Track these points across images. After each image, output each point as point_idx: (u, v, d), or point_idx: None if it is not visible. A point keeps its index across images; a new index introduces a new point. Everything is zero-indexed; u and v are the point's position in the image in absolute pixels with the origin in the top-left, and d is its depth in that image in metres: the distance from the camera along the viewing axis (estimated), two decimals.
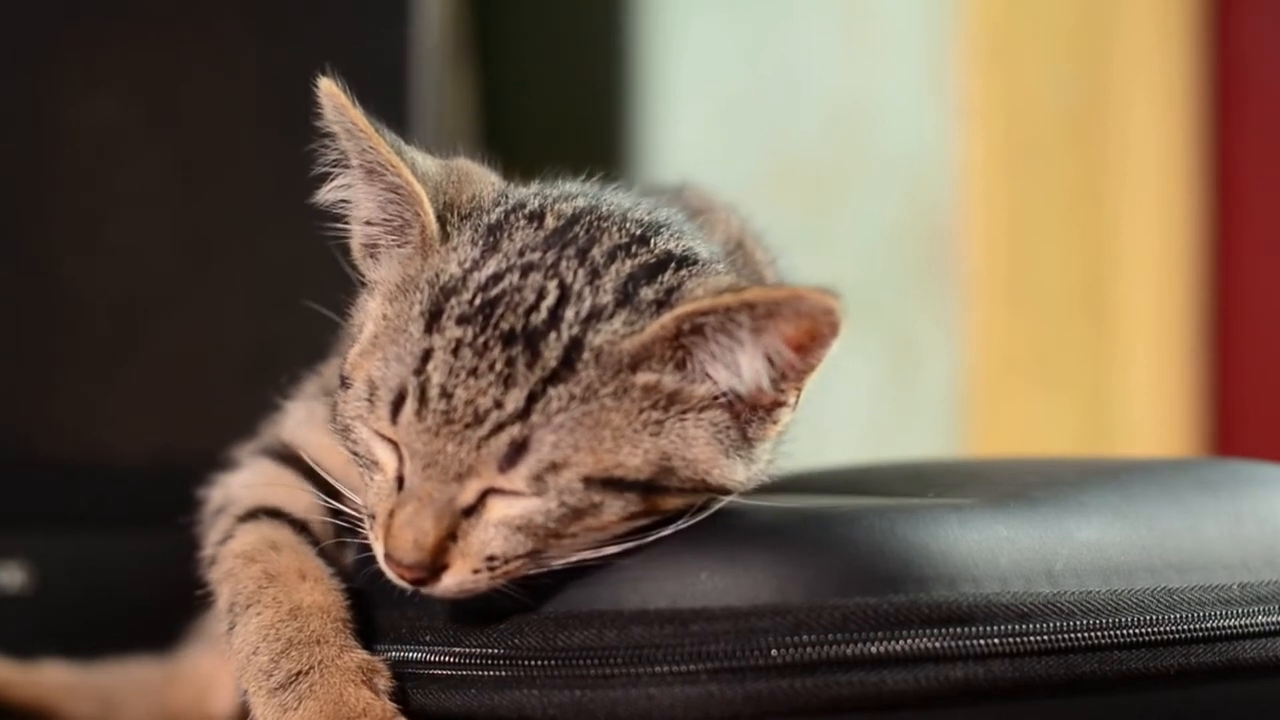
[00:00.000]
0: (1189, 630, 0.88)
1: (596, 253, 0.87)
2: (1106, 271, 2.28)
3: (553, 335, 0.83)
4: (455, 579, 0.84)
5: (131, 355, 1.56)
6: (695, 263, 0.89)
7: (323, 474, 0.94)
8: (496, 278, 0.86)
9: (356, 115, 0.89)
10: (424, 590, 0.85)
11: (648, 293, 0.86)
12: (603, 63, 2.25)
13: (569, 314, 0.84)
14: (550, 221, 0.89)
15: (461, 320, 0.84)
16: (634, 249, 0.88)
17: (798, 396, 0.87)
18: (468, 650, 0.86)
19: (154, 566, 1.04)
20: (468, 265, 0.87)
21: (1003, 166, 2.20)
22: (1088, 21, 2.27)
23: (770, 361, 0.84)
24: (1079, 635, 0.85)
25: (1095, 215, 2.27)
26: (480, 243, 0.88)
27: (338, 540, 0.94)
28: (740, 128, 2.24)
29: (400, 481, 0.85)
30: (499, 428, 0.82)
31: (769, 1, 2.26)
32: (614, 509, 0.84)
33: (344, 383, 0.89)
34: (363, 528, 0.88)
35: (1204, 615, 0.89)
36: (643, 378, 0.84)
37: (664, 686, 0.82)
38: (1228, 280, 2.39)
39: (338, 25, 1.60)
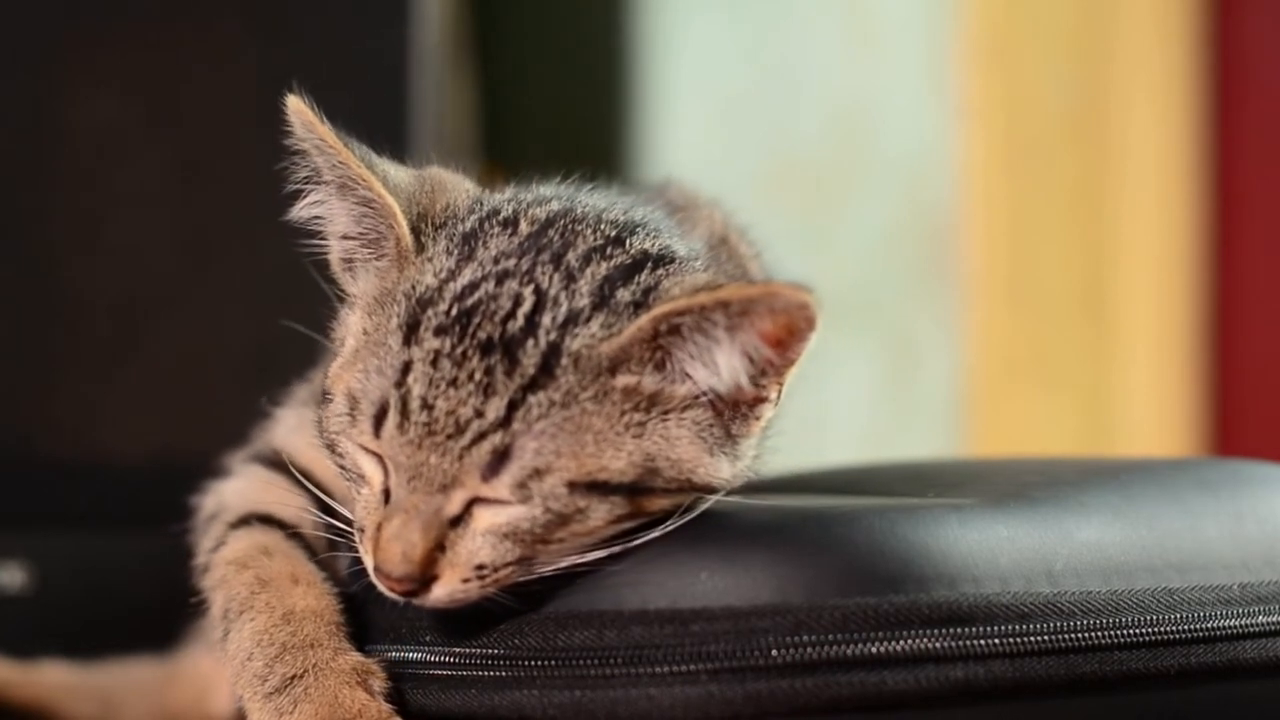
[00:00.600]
0: (1189, 630, 0.88)
1: (571, 256, 0.87)
2: (1106, 271, 2.28)
3: (530, 342, 0.83)
4: (445, 589, 0.84)
5: (131, 355, 1.56)
6: (672, 261, 0.88)
7: (311, 486, 0.94)
8: (472, 287, 0.85)
9: (325, 131, 0.88)
10: (415, 602, 0.85)
11: (624, 294, 0.86)
12: (603, 63, 2.25)
13: (546, 320, 0.84)
14: (524, 227, 0.89)
15: (439, 331, 0.84)
16: (609, 250, 0.88)
17: (779, 391, 0.87)
18: (468, 650, 0.86)
19: (154, 566, 1.04)
20: (443, 275, 0.87)
21: (1003, 166, 2.20)
22: (1088, 21, 2.27)
23: (749, 358, 0.84)
24: (1079, 635, 0.85)
25: (1095, 215, 2.27)
26: (455, 252, 0.88)
27: (329, 543, 0.94)
28: (740, 128, 2.24)
29: (387, 494, 0.85)
30: (481, 437, 0.82)
31: (769, 1, 2.26)
32: (600, 513, 0.84)
33: (325, 397, 0.89)
34: (354, 538, 0.88)
35: (1204, 615, 0.89)
36: (622, 380, 0.84)
37: (664, 687, 0.82)
38: (1228, 280, 2.39)
39: (338, 25, 1.60)
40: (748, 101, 2.24)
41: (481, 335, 0.83)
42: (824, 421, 2.13)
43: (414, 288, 0.87)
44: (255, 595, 0.91)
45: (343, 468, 0.88)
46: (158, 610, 1.11)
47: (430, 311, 0.85)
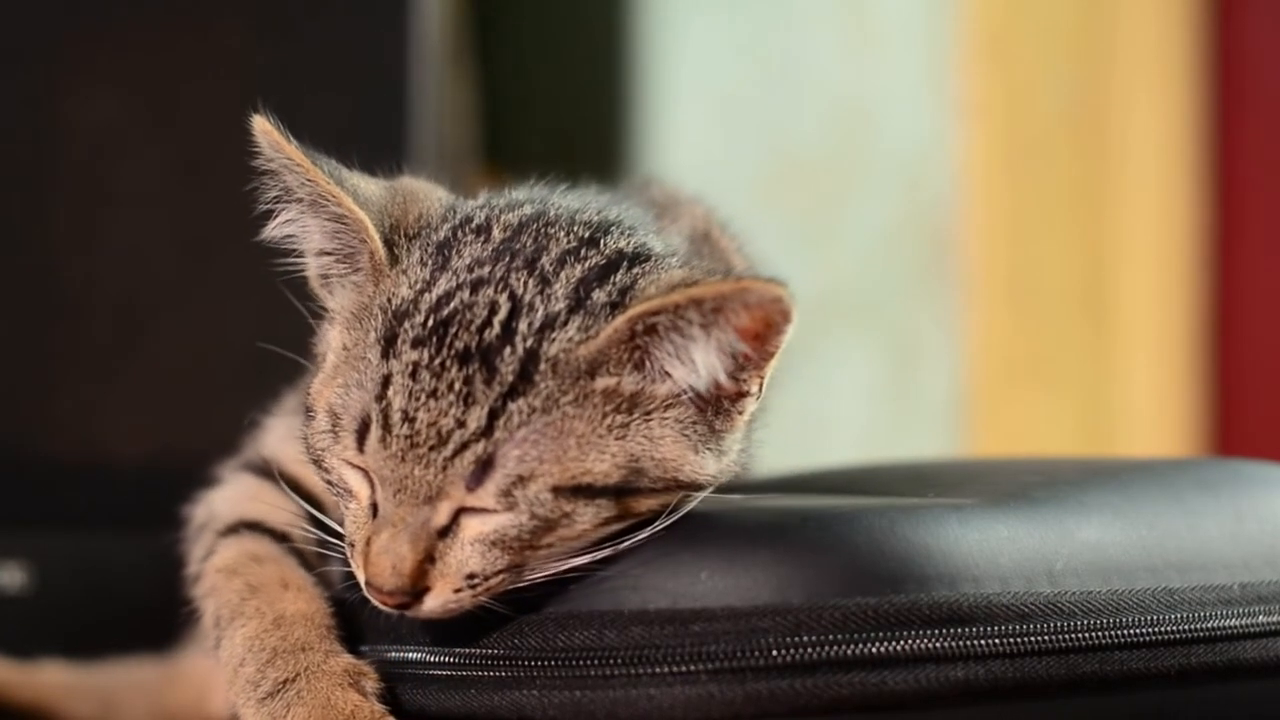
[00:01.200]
0: (1189, 630, 0.88)
1: (545, 260, 0.87)
2: (1106, 271, 2.28)
3: (507, 350, 0.83)
4: (438, 600, 0.84)
5: (131, 355, 1.56)
6: (648, 259, 0.88)
7: (298, 497, 0.94)
8: (447, 296, 0.85)
9: (292, 150, 0.88)
10: (409, 614, 0.85)
11: (600, 295, 0.85)
12: (603, 62, 2.25)
13: (522, 326, 0.84)
14: (497, 233, 0.89)
15: (416, 343, 0.84)
16: (583, 252, 0.87)
17: (761, 385, 0.86)
18: (468, 650, 0.86)
19: (154, 566, 1.04)
20: (419, 287, 0.87)
21: (1003, 166, 2.20)
22: (1088, 21, 2.27)
23: (727, 354, 0.84)
24: (1079, 635, 0.85)
25: (1095, 215, 2.27)
26: (430, 262, 0.88)
27: (320, 548, 0.94)
28: (740, 127, 2.24)
29: (375, 508, 0.85)
30: (463, 447, 0.82)
31: (769, 1, 2.26)
32: (587, 516, 0.84)
33: (308, 414, 0.89)
34: (343, 546, 0.88)
35: (1204, 615, 0.89)
36: (602, 382, 0.84)
37: (664, 687, 0.82)
38: (1228, 280, 2.39)
39: (338, 25, 1.60)
40: (748, 101, 2.24)
41: (459, 345, 0.83)
42: (824, 421, 2.13)
43: (390, 300, 0.87)
44: (246, 601, 0.92)
45: (330, 483, 0.88)
46: (158, 610, 1.11)
47: (407, 324, 0.85)
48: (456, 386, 0.82)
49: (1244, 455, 1.27)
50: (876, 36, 2.21)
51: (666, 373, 0.85)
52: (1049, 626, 0.85)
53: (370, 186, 0.92)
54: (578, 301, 0.85)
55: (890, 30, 2.21)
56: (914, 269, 2.20)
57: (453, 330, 0.84)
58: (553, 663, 0.84)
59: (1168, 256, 2.34)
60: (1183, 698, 0.89)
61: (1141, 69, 2.30)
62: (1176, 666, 0.88)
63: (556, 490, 0.83)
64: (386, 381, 0.84)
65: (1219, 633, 0.89)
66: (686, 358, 0.84)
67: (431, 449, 0.82)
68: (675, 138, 2.23)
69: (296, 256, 0.92)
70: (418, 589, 0.84)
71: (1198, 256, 2.37)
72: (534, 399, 0.83)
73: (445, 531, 0.83)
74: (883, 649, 0.82)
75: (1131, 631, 0.87)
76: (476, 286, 0.85)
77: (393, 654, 0.89)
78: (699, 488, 0.86)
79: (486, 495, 0.82)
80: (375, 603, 0.85)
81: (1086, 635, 0.85)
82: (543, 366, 0.83)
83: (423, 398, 0.83)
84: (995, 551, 0.86)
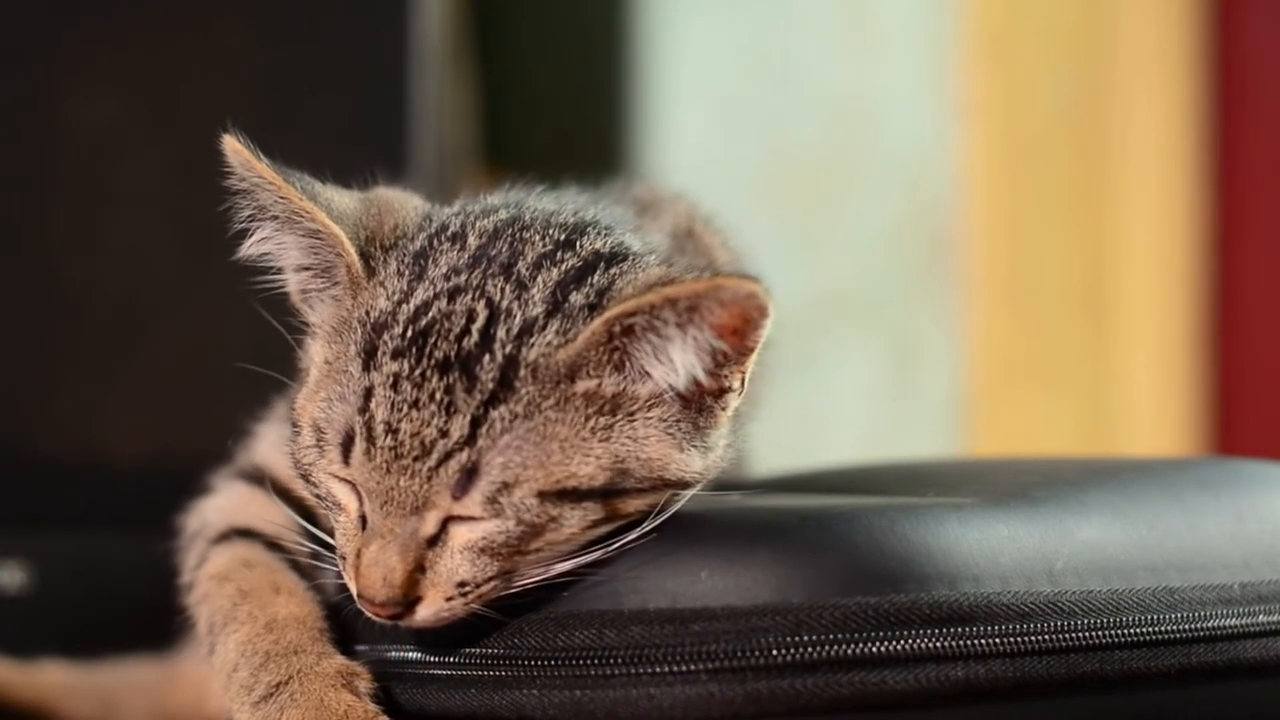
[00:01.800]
0: (1190, 630, 0.88)
1: (521, 265, 0.87)
2: (1106, 271, 2.28)
3: (487, 357, 0.83)
4: (430, 609, 0.84)
5: (131, 355, 1.56)
6: (625, 259, 0.88)
7: (291, 504, 0.94)
8: (425, 306, 0.85)
9: (263, 168, 0.88)
10: (403, 624, 0.85)
11: (578, 298, 0.85)
12: (603, 63, 2.25)
13: (500, 333, 0.84)
14: (473, 240, 0.89)
15: (396, 354, 0.84)
16: (559, 255, 0.87)
17: (743, 380, 0.86)
18: (468, 650, 0.86)
19: (154, 566, 1.04)
20: (396, 298, 0.86)
21: (1003, 166, 2.20)
22: (1088, 21, 2.27)
23: (705, 351, 0.84)
24: (1080, 635, 0.85)
25: (1095, 215, 2.27)
26: (406, 273, 0.88)
27: (313, 556, 0.94)
28: (740, 127, 2.24)
29: (364, 520, 0.85)
30: (447, 456, 0.82)
31: (769, 1, 2.26)
32: (574, 519, 0.84)
33: (293, 429, 0.89)
34: (334, 556, 0.88)
35: (1205, 615, 0.89)
36: (582, 385, 0.84)
37: (664, 686, 0.82)
38: (1228, 280, 2.39)
39: (338, 25, 1.60)
40: (748, 101, 2.24)
41: (438, 354, 0.83)
42: (824, 421, 2.13)
43: (368, 313, 0.87)
44: (238, 607, 0.92)
45: (318, 497, 0.88)
46: (158, 610, 1.11)
47: (386, 335, 0.85)
48: (438, 396, 0.82)
49: (1244, 455, 1.27)
50: (876, 37, 2.21)
51: (646, 373, 0.84)
52: (1049, 626, 0.85)
53: (344, 199, 0.92)
54: (555, 305, 0.85)
55: (890, 30, 2.21)
56: (914, 269, 2.20)
57: (432, 340, 0.84)
58: (553, 662, 0.84)
59: (1168, 256, 2.34)
60: (1183, 697, 0.89)
61: (1141, 69, 2.30)
62: (1176, 666, 0.88)
63: (542, 495, 0.83)
64: (369, 394, 0.84)
65: (1219, 632, 0.89)
66: (665, 357, 0.84)
67: (416, 459, 0.82)
68: (675, 138, 2.23)
69: (276, 273, 0.92)
70: (410, 599, 0.84)
71: (1198, 256, 2.37)
72: (515, 405, 0.83)
73: (434, 541, 0.84)
74: (883, 648, 0.82)
75: (1132, 631, 0.87)
76: (454, 295, 0.85)
77: (393, 654, 0.89)
78: (686, 486, 0.86)
79: (473, 503, 0.83)
80: (369, 614, 0.85)
81: (1087, 635, 0.85)
82: (523, 372, 0.83)
83: (405, 409, 0.83)
84: (995, 551, 0.86)
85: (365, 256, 0.89)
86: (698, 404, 0.86)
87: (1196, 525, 0.94)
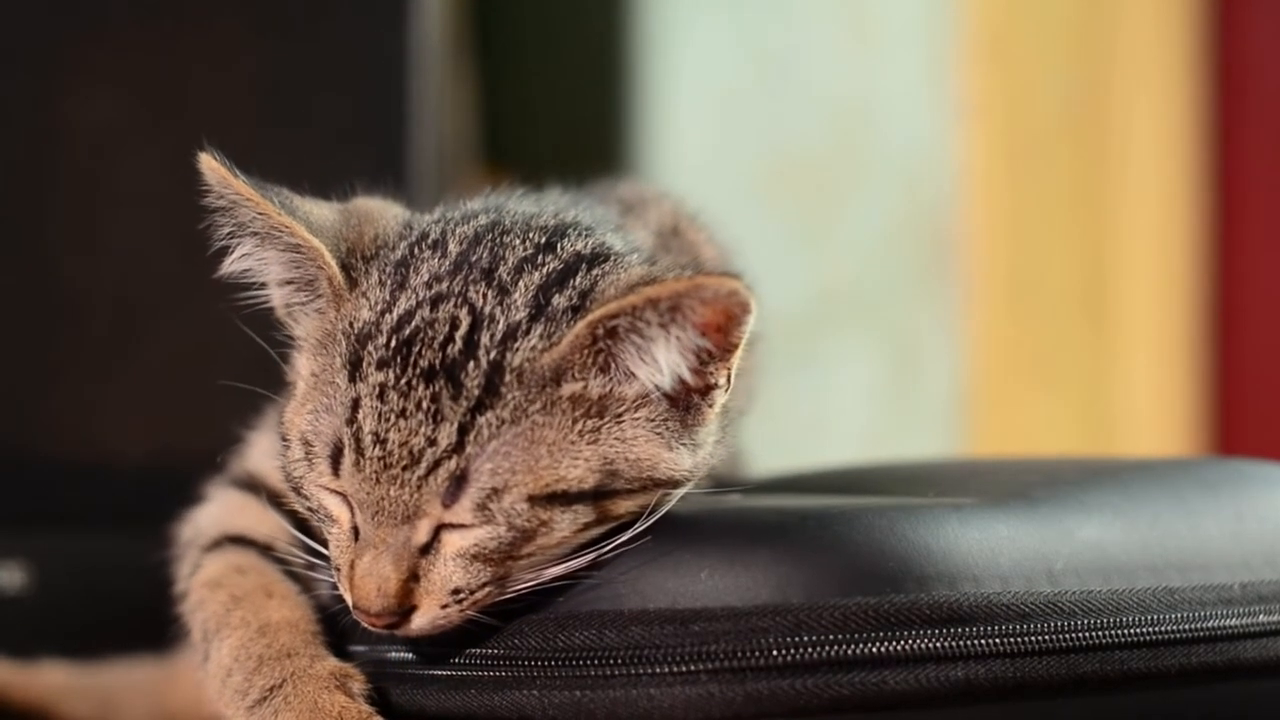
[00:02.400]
0: (1190, 630, 0.88)
1: (503, 270, 0.87)
2: (1106, 271, 2.28)
3: (471, 364, 0.83)
4: (426, 618, 0.84)
5: (131, 355, 1.56)
6: (607, 259, 0.88)
7: (284, 511, 0.94)
8: (408, 315, 0.85)
9: (240, 185, 0.88)
10: (399, 633, 0.85)
11: (560, 300, 0.85)
12: (603, 61, 2.25)
13: (484, 339, 0.84)
14: (453, 247, 0.89)
15: (381, 364, 0.84)
16: (540, 258, 0.87)
17: (728, 377, 0.86)
18: (468, 651, 0.86)
19: (154, 566, 1.04)
20: (379, 308, 0.86)
21: (1003, 166, 2.20)
22: (1088, 20, 2.27)
23: (689, 350, 0.84)
24: (1080, 635, 0.85)
25: (1095, 215, 2.27)
26: (388, 282, 0.88)
27: (307, 564, 0.94)
28: (741, 126, 2.24)
29: (356, 531, 0.85)
30: (436, 464, 0.82)
31: (770, 1, 2.26)
32: (565, 523, 0.84)
33: (283, 443, 0.89)
34: (328, 566, 0.88)
35: (1205, 615, 0.89)
36: (568, 388, 0.84)
37: (664, 686, 0.82)
38: (1228, 279, 2.39)
39: (338, 25, 1.60)
40: (748, 100, 2.24)
41: (423, 363, 0.83)
42: (824, 421, 2.13)
43: (352, 324, 0.87)
44: (230, 612, 0.92)
45: (311, 510, 0.88)
46: (158, 610, 1.11)
47: (370, 346, 0.85)
48: (424, 405, 0.82)
49: (1244, 455, 1.27)
50: (876, 36, 2.21)
51: (632, 373, 0.84)
52: (1049, 626, 0.85)
53: (323, 212, 0.92)
54: (538, 309, 0.85)
55: (890, 30, 2.21)
56: (914, 269, 2.20)
57: (416, 349, 0.84)
58: (553, 663, 0.84)
59: (1168, 256, 2.34)
60: (1183, 698, 0.89)
61: (1141, 69, 2.30)
62: (1177, 666, 0.88)
63: (532, 499, 0.83)
64: (355, 405, 0.84)
65: (1219, 632, 0.89)
66: (649, 357, 0.84)
67: (405, 469, 0.82)
68: (675, 137, 2.23)
69: (260, 289, 0.92)
70: (405, 608, 0.84)
71: (1198, 256, 2.37)
72: (502, 411, 0.83)
73: (427, 549, 0.84)
74: (883, 649, 0.82)
75: (1132, 631, 0.87)
76: (436, 303, 0.85)
77: (392, 655, 0.89)
78: (676, 484, 0.86)
79: (463, 510, 0.83)
80: (365, 625, 0.85)
81: (1087, 635, 0.85)
82: (508, 378, 0.83)
83: (392, 418, 0.83)
84: (995, 551, 0.86)
85: (346, 268, 0.89)
86: (684, 402, 0.86)
87: (1197, 525, 0.94)
